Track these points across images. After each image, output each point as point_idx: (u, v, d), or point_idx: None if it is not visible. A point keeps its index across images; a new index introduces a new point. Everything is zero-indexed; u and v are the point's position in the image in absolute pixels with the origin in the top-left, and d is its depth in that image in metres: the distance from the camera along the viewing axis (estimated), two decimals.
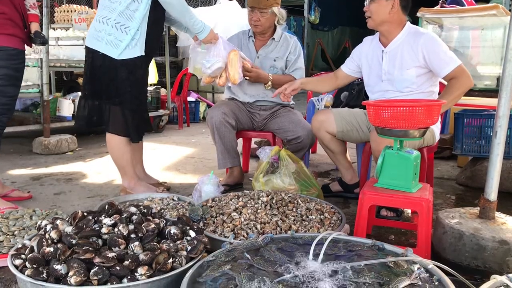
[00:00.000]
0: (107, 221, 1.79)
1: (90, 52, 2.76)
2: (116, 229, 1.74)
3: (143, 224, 1.80)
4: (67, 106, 4.51)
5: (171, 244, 1.75)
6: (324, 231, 2.12)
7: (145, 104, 2.95)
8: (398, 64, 2.65)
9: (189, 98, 6.51)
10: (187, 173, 3.69)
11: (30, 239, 1.84)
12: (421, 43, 2.58)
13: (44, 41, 2.62)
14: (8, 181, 3.24)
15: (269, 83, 3.13)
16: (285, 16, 3.27)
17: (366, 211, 2.09)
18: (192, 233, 1.88)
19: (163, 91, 6.03)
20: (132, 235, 1.74)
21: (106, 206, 1.98)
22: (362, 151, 3.00)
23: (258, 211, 2.27)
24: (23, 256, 1.68)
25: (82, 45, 4.58)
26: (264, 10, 3.08)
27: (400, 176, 2.10)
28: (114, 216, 1.85)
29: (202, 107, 6.76)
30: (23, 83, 4.07)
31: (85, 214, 1.90)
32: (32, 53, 4.06)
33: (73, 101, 4.64)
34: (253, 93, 3.24)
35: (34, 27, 2.59)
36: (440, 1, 3.53)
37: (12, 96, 2.53)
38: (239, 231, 2.09)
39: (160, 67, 6.76)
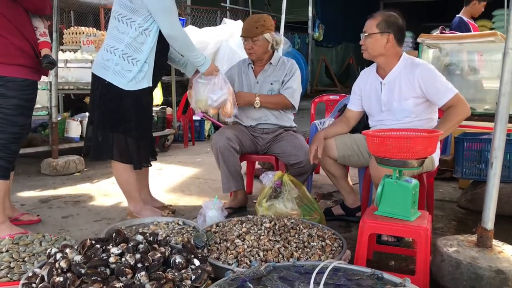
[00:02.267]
0: (114, 250, 1.85)
1: (96, 80, 2.84)
2: (123, 259, 1.80)
3: (149, 254, 1.87)
4: (74, 128, 4.61)
5: (176, 273, 1.81)
6: (325, 258, 2.17)
7: (150, 132, 3.03)
8: (397, 95, 2.73)
9: (194, 117, 6.59)
10: (192, 195, 3.76)
11: (40, 267, 1.91)
12: (417, 74, 2.65)
13: (51, 61, 2.64)
14: (17, 204, 3.32)
15: (257, 100, 3.20)
16: (281, 41, 3.36)
17: (366, 239, 2.14)
18: (197, 262, 1.94)
19: (169, 110, 6.12)
20: (139, 265, 1.80)
21: (114, 234, 2.05)
22: (364, 175, 3.06)
23: (261, 237, 2.33)
24: (34, 285, 1.75)
25: (90, 68, 4.69)
26: (255, 38, 3.17)
27: (399, 205, 2.15)
28: (122, 245, 1.92)
29: (207, 125, 6.84)
30: None
31: (93, 242, 1.97)
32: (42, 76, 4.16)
33: (81, 122, 4.73)
34: (255, 116, 3.32)
35: (45, 52, 2.65)
36: (439, 28, 3.61)
37: (21, 126, 2.60)
38: (242, 258, 2.15)
39: (166, 86, 6.85)
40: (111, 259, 1.81)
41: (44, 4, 2.64)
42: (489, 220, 2.07)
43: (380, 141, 2.13)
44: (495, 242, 2.13)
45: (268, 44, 3.25)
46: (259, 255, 2.17)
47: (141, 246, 1.94)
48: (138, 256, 1.84)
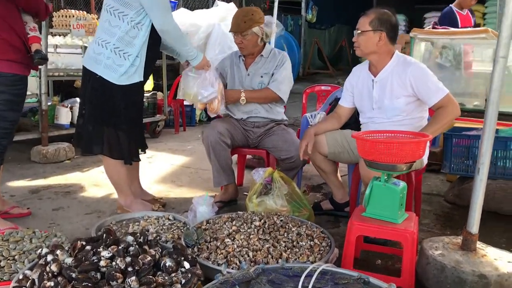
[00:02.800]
0: (105, 253, 1.86)
1: (87, 73, 2.81)
2: (113, 263, 1.82)
3: (139, 257, 1.88)
4: (65, 114, 4.57)
5: (166, 277, 1.83)
6: (313, 259, 2.21)
7: (140, 127, 3.03)
8: (388, 93, 2.74)
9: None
10: (182, 186, 3.77)
11: (31, 268, 1.92)
12: (409, 73, 2.66)
13: (43, 57, 2.63)
14: (7, 195, 3.32)
15: (243, 97, 3.20)
16: (270, 34, 3.35)
17: (354, 241, 2.18)
18: (187, 264, 1.95)
19: (160, 95, 6.08)
20: (129, 268, 1.82)
21: (104, 235, 2.06)
22: (353, 171, 3.09)
23: (251, 236, 2.36)
24: None
25: (80, 54, 4.65)
26: (244, 33, 3.15)
27: (387, 207, 2.19)
28: (112, 247, 1.93)
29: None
30: None
31: (84, 243, 1.99)
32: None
33: (71, 108, 4.70)
34: (246, 110, 3.31)
35: (35, 47, 2.63)
36: (432, 22, 3.60)
37: (12, 121, 2.59)
38: (232, 259, 2.18)
39: (157, 71, 6.78)
40: (102, 263, 1.82)
41: (38, 4, 2.59)
42: (474, 225, 2.11)
43: (370, 145, 2.15)
44: (479, 245, 2.18)
45: (257, 37, 3.23)
46: (248, 256, 2.20)
47: (131, 248, 1.95)
48: (128, 259, 1.85)
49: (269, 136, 3.31)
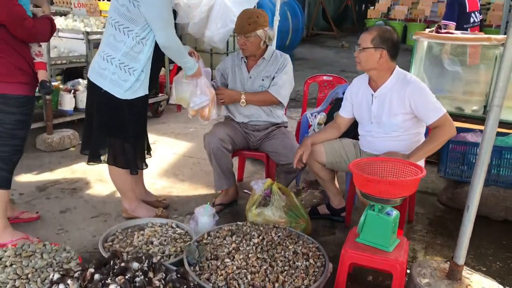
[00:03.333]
0: (113, 287, 2.00)
1: (93, 86, 2.86)
2: None
3: None
4: (68, 101, 4.61)
5: None
6: (308, 282, 2.35)
7: (144, 136, 3.10)
8: (387, 109, 2.80)
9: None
10: (184, 181, 3.89)
11: None
12: (408, 92, 2.71)
13: (47, 92, 2.79)
14: (16, 193, 3.44)
15: (243, 99, 3.26)
16: (274, 36, 3.36)
17: (346, 269, 2.32)
18: None
19: (162, 70, 6.08)
20: None
21: (111, 261, 2.20)
22: (350, 179, 3.19)
23: (250, 255, 2.49)
24: None
25: (82, 39, 4.64)
26: (248, 35, 3.17)
27: (379, 236, 2.32)
28: (119, 278, 2.06)
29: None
30: None
31: (93, 271, 2.12)
32: None
33: (74, 92, 4.73)
34: (246, 113, 3.37)
35: (41, 75, 2.71)
36: (435, 26, 3.58)
37: (22, 138, 2.68)
38: (231, 281, 2.32)
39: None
40: None
41: (33, 35, 2.63)
42: (460, 256, 2.23)
43: (364, 180, 2.24)
44: (464, 273, 2.31)
45: (260, 40, 3.25)
46: (247, 278, 2.33)
47: (137, 280, 2.09)
48: None
49: (269, 140, 3.38)
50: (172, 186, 3.78)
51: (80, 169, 3.97)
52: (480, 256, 2.92)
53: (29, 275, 2.35)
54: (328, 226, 3.24)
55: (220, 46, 4.07)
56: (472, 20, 4.93)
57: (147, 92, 2.89)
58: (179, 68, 5.94)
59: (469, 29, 4.73)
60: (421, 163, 2.94)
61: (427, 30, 3.68)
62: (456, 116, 3.46)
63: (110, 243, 2.73)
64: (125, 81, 2.78)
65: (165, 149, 4.64)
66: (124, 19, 2.73)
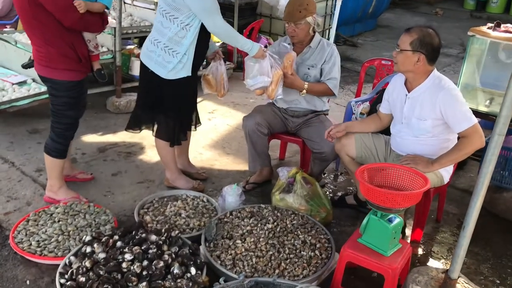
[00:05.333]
0: (127, 256, 2.33)
1: (143, 67, 3.16)
2: (132, 266, 2.28)
3: (154, 262, 2.32)
4: (137, 67, 4.97)
5: (173, 283, 2.27)
6: (307, 272, 2.52)
7: (188, 114, 3.36)
8: (417, 112, 2.80)
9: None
10: (229, 155, 4.14)
11: (75, 254, 2.46)
12: (440, 97, 2.69)
13: (102, 78, 3.21)
14: (79, 152, 3.91)
15: (304, 90, 3.35)
16: (321, 23, 3.38)
17: (343, 266, 2.46)
18: (193, 270, 2.37)
19: None
20: (144, 272, 2.27)
21: (134, 231, 2.53)
22: None
23: (260, 239, 2.71)
24: (66, 276, 2.30)
25: (153, 10, 4.94)
26: (298, 22, 3.23)
27: (379, 240, 2.41)
28: (135, 248, 2.38)
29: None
30: (100, 49, 4.59)
31: (117, 239, 2.47)
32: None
33: None
34: (287, 99, 3.49)
35: (96, 65, 3.12)
36: (494, 24, 3.37)
37: (72, 117, 3.03)
38: (237, 262, 2.56)
39: (229, 9, 6.69)
40: (124, 265, 2.29)
41: (82, 26, 2.86)
42: (455, 271, 2.27)
43: (367, 188, 2.33)
44: (460, 286, 2.35)
45: (309, 27, 3.31)
46: (252, 261, 2.56)
47: (150, 251, 2.40)
48: (145, 263, 2.31)
49: (307, 127, 3.49)
50: (216, 159, 4.05)
51: (139, 134, 4.31)
52: (498, 267, 2.90)
53: (70, 232, 2.76)
54: (353, 216, 3.34)
55: None
56: None
57: (189, 74, 3.10)
58: (251, 31, 6.04)
59: None
60: (451, 167, 2.94)
61: (486, 26, 3.48)
62: None
63: (146, 210, 3.08)
64: (169, 63, 3.03)
65: (220, 119, 4.90)
66: (170, 8, 2.95)
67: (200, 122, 3.61)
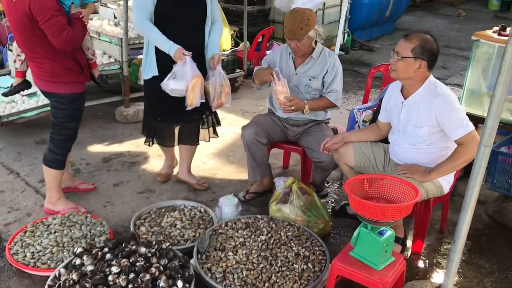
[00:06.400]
0: (114, 269, 2.32)
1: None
2: (117, 280, 2.28)
3: (140, 275, 2.31)
4: None
5: None
6: (298, 286, 2.47)
7: (174, 117, 3.42)
8: (414, 120, 2.73)
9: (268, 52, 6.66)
10: (233, 163, 4.12)
11: (65, 267, 2.47)
12: (435, 104, 2.62)
13: (106, 85, 3.30)
14: (84, 162, 3.96)
15: (307, 108, 3.26)
16: (322, 32, 3.33)
17: (334, 279, 2.40)
18: (180, 284, 2.35)
19: (241, 46, 6.27)
20: (130, 286, 2.27)
21: (124, 244, 2.53)
22: None
23: (253, 252, 2.67)
24: None
25: None
26: (301, 38, 3.17)
27: (370, 253, 2.35)
28: (123, 261, 2.38)
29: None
30: (107, 59, 4.65)
31: (106, 251, 2.47)
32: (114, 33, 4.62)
33: None
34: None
35: (96, 72, 3.21)
36: (499, 27, 3.26)
37: (73, 128, 3.08)
38: (227, 274, 2.53)
39: (239, 17, 6.71)
40: (110, 277, 2.29)
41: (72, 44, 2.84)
42: (447, 285, 2.20)
43: (356, 202, 2.27)
44: None
45: (312, 40, 3.26)
46: (242, 274, 2.53)
47: (138, 264, 2.39)
48: (131, 276, 2.30)
49: (306, 135, 3.44)
50: (219, 168, 4.03)
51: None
52: (504, 281, 2.79)
53: (65, 244, 2.78)
54: (353, 226, 3.22)
55: None
56: None
57: (156, 74, 3.18)
58: (258, 46, 6.07)
59: None
60: (451, 176, 2.84)
61: (491, 30, 3.37)
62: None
63: (142, 221, 3.08)
64: (144, 64, 3.27)
65: (228, 127, 4.89)
66: None
67: (219, 123, 3.70)
